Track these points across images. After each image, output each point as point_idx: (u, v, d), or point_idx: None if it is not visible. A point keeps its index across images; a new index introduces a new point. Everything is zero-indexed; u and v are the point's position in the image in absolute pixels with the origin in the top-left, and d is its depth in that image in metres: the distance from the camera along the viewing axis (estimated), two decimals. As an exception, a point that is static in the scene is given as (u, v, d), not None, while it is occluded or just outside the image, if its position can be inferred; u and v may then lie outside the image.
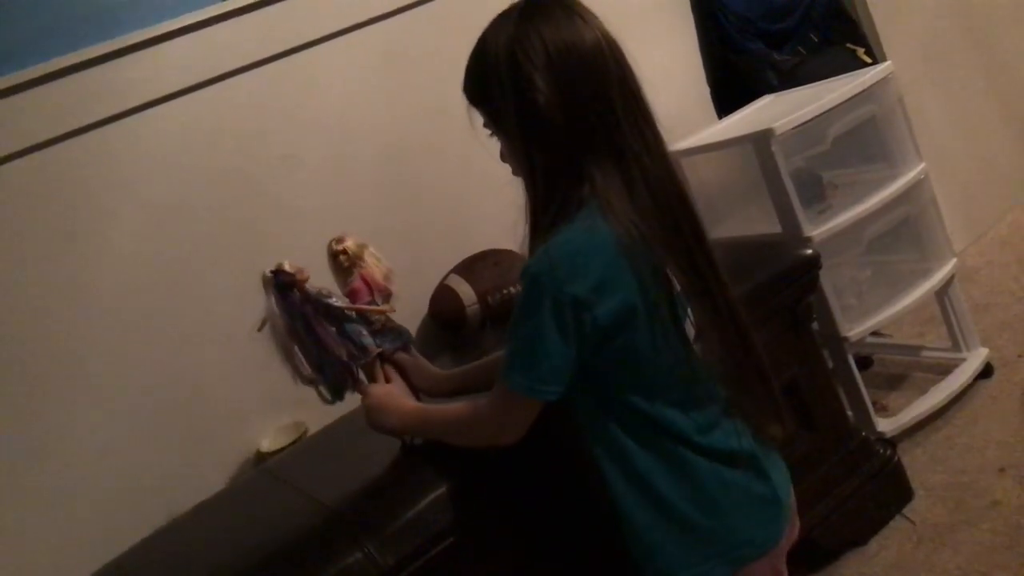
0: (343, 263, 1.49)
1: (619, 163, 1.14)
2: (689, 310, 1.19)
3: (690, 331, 1.19)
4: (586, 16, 1.16)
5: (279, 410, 1.90)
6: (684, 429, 1.17)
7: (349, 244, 1.51)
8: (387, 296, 1.52)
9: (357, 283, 1.49)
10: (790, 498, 1.25)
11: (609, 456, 1.20)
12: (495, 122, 1.21)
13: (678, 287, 1.17)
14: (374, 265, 1.52)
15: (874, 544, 1.81)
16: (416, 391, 1.53)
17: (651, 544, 1.20)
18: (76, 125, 1.72)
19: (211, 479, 1.82)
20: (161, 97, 1.80)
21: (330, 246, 1.51)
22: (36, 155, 1.69)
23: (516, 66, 1.13)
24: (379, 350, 1.49)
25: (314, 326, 1.44)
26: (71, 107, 1.71)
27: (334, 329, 1.46)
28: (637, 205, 1.13)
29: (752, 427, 1.22)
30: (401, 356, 1.53)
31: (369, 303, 1.50)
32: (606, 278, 1.10)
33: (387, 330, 1.50)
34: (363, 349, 1.47)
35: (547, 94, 1.11)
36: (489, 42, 1.18)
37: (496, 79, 1.16)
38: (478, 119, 1.23)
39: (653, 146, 1.17)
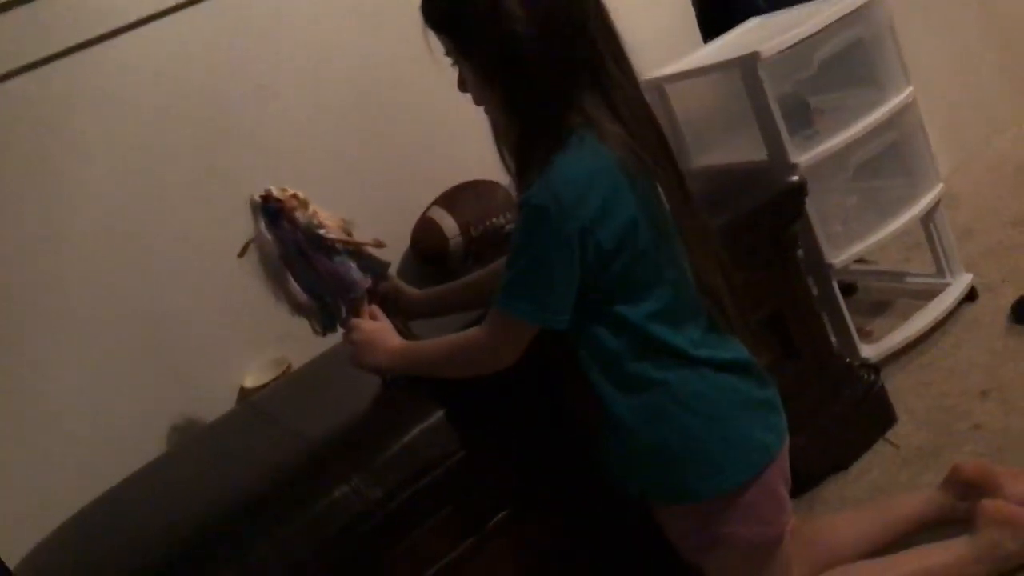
0: (293, 205, 1.43)
1: (602, 90, 1.15)
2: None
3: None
4: None
5: (261, 346, 1.89)
6: (678, 343, 1.20)
7: (297, 192, 1.46)
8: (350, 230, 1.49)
9: (323, 215, 1.46)
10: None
11: (604, 370, 1.21)
12: (462, 50, 1.19)
13: (667, 208, 1.19)
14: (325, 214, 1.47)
15: (856, 468, 1.83)
16: (400, 323, 1.52)
17: (658, 461, 1.22)
18: (42, 54, 1.66)
19: (194, 416, 1.82)
20: (125, 25, 1.73)
21: (269, 192, 1.44)
22: (2, 86, 1.64)
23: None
24: (368, 284, 1.47)
25: (308, 253, 1.41)
26: (36, 36, 1.65)
27: (326, 259, 1.43)
28: (627, 130, 1.15)
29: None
30: (382, 286, 1.52)
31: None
32: (609, 200, 1.12)
33: (363, 260, 1.48)
34: (352, 283, 1.45)
35: (526, 23, 1.10)
36: None
37: (470, 8, 1.14)
38: (437, 44, 1.20)
39: (629, 76, 1.19)
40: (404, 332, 1.53)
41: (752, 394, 1.25)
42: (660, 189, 1.19)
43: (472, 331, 1.26)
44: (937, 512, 1.49)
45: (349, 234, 1.46)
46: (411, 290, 1.59)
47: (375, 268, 1.49)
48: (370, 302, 1.49)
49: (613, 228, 1.12)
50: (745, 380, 1.24)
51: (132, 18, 1.74)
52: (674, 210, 1.20)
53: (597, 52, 1.15)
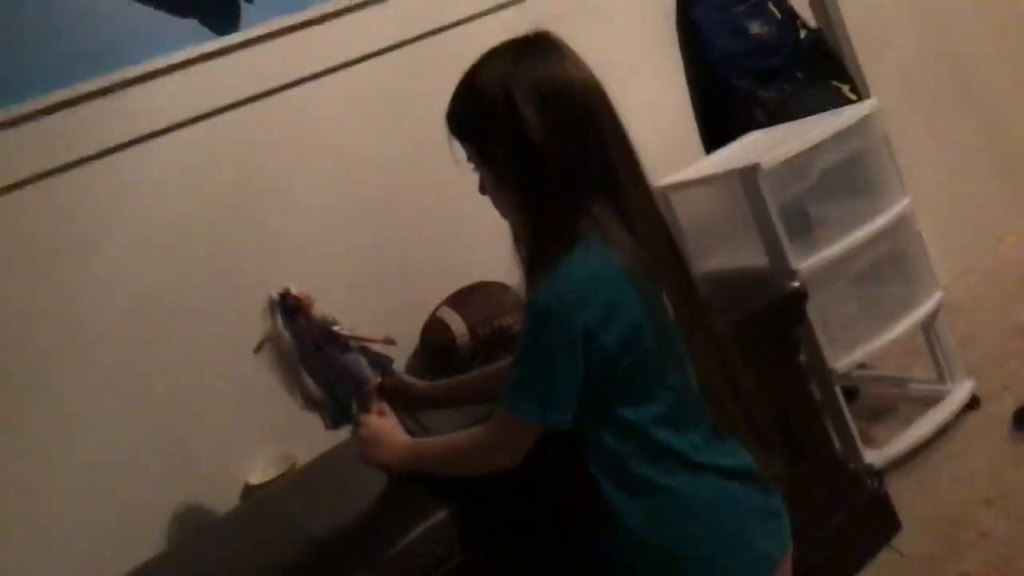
0: (310, 303, 1.48)
1: (613, 197, 1.18)
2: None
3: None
4: (574, 58, 1.20)
5: (268, 441, 1.90)
6: (681, 448, 1.19)
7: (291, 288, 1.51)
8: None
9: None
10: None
11: (609, 473, 1.21)
12: (482, 157, 1.24)
13: (672, 314, 1.20)
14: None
15: (862, 576, 1.82)
16: (408, 416, 1.55)
17: (660, 565, 1.21)
18: (72, 158, 1.73)
19: (199, 511, 1.81)
20: (156, 131, 1.81)
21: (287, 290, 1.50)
22: (28, 189, 1.70)
23: (511, 103, 1.16)
24: (377, 381, 1.50)
25: (323, 349, 1.46)
26: (67, 141, 1.72)
27: (339, 354, 1.47)
28: (636, 236, 1.18)
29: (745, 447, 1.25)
30: (388, 380, 1.55)
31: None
32: (614, 305, 1.14)
33: (369, 355, 1.51)
34: (364, 379, 1.48)
35: (541, 131, 1.14)
36: (482, 77, 1.21)
37: (488, 115, 1.19)
38: (460, 151, 1.25)
39: (641, 183, 1.22)
40: (411, 424, 1.55)
41: (755, 502, 1.24)
42: (665, 295, 1.20)
43: (477, 429, 1.27)
44: None
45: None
46: (419, 383, 1.61)
47: (381, 363, 1.53)
48: (378, 396, 1.52)
49: (617, 331, 1.14)
50: (748, 488, 1.23)
51: (163, 124, 1.82)
52: (680, 316, 1.21)
53: (609, 160, 1.18)
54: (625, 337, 1.15)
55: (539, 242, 1.20)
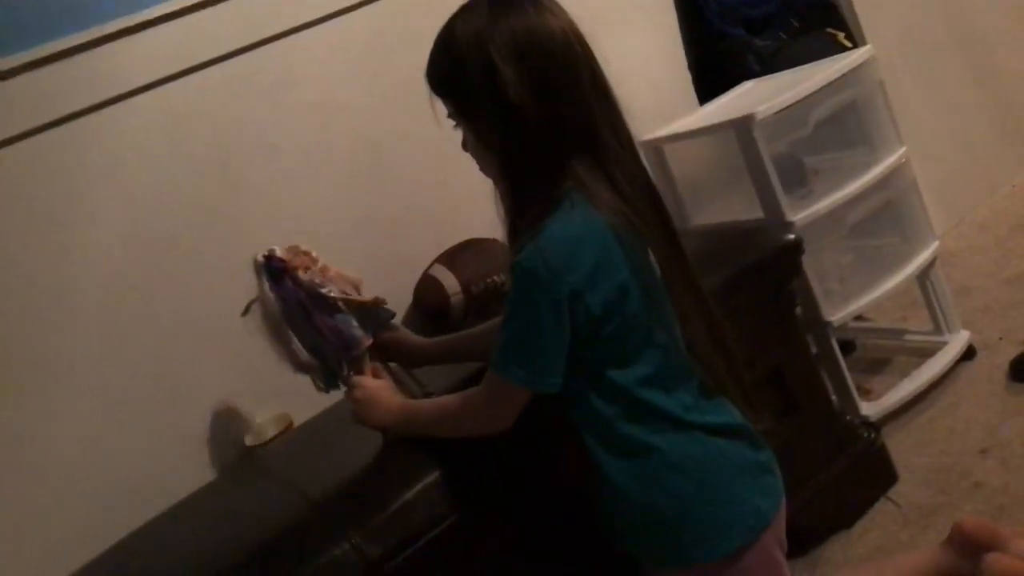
0: (296, 264, 1.46)
1: (596, 155, 1.16)
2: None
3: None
4: (555, 9, 1.17)
5: (264, 403, 1.89)
6: (669, 407, 1.19)
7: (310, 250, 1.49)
8: (359, 285, 1.51)
9: (332, 272, 1.48)
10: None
11: (597, 434, 1.21)
12: (462, 114, 1.22)
13: (658, 272, 1.19)
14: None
15: (859, 527, 1.82)
16: (405, 372, 1.54)
17: (651, 524, 1.21)
18: (55, 115, 1.70)
19: (196, 474, 1.81)
20: (140, 87, 1.78)
21: (272, 252, 1.47)
22: (15, 145, 1.67)
23: (487, 59, 1.13)
24: (369, 342, 1.48)
25: (311, 312, 1.43)
26: (50, 97, 1.69)
27: (328, 317, 1.45)
28: (620, 195, 1.16)
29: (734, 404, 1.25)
30: (387, 335, 1.53)
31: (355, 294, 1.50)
32: (600, 265, 1.12)
33: (369, 312, 1.49)
34: (354, 340, 1.46)
35: (518, 87, 1.12)
36: (457, 33, 1.17)
37: (465, 71, 1.16)
38: (442, 108, 1.23)
39: (625, 139, 1.20)
40: (408, 380, 1.54)
41: (746, 457, 1.23)
42: (652, 254, 1.19)
43: (469, 392, 1.26)
44: (940, 571, 1.48)
45: (359, 293, 1.48)
46: (417, 338, 1.60)
47: (382, 318, 1.51)
48: (377, 350, 1.50)
49: (603, 293, 1.12)
50: (738, 444, 1.23)
51: (143, 81, 1.78)
52: (665, 275, 1.20)
53: (592, 118, 1.16)
54: (611, 298, 1.13)
55: (521, 203, 1.18)
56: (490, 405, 1.23)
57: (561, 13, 1.17)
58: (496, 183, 1.23)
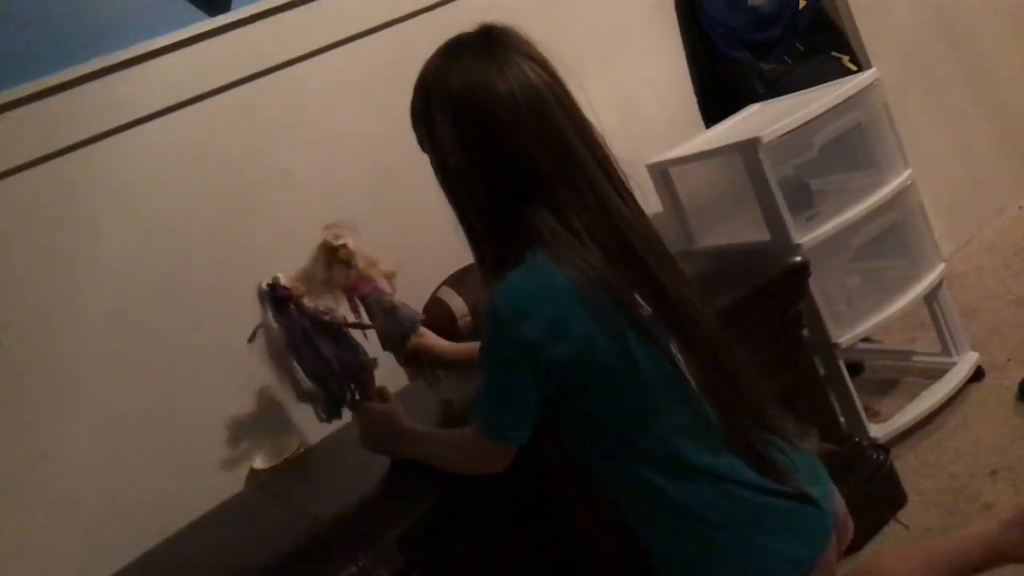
0: (341, 256, 1.47)
1: (554, 210, 1.10)
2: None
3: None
4: (514, 70, 1.11)
5: (272, 427, 1.89)
6: (693, 459, 1.13)
7: (348, 242, 1.50)
8: (391, 278, 1.50)
9: (358, 278, 1.48)
10: (830, 500, 1.20)
11: (614, 483, 1.19)
12: (422, 147, 1.21)
13: (648, 312, 1.13)
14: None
15: (868, 549, 1.81)
16: (431, 375, 1.56)
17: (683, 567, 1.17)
18: (65, 143, 1.72)
19: (205, 497, 1.81)
20: (150, 114, 1.80)
21: (327, 241, 1.48)
22: (26, 173, 1.69)
23: (427, 103, 1.14)
24: (375, 367, 1.49)
25: (314, 340, 1.44)
26: (60, 125, 1.71)
27: (332, 344, 1.46)
28: (588, 247, 1.10)
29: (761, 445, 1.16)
30: (416, 342, 1.54)
31: (358, 318, 1.50)
32: (557, 319, 1.08)
33: (399, 311, 1.50)
34: (361, 366, 1.47)
35: (449, 137, 1.11)
36: (423, 70, 1.17)
37: (415, 107, 1.18)
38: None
39: (593, 189, 1.12)
40: (435, 381, 1.56)
41: (773, 506, 1.14)
42: (641, 300, 1.13)
43: (464, 435, 1.25)
44: (999, 547, 1.34)
45: (390, 285, 1.49)
46: (442, 343, 1.61)
47: (409, 322, 1.52)
48: (403, 354, 1.51)
49: (567, 347, 1.08)
50: (758, 492, 1.14)
51: (153, 108, 1.80)
52: (662, 317, 1.14)
53: (539, 172, 1.10)
54: (578, 353, 1.09)
55: (477, 244, 1.17)
56: (476, 452, 1.23)
57: (525, 69, 1.11)
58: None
